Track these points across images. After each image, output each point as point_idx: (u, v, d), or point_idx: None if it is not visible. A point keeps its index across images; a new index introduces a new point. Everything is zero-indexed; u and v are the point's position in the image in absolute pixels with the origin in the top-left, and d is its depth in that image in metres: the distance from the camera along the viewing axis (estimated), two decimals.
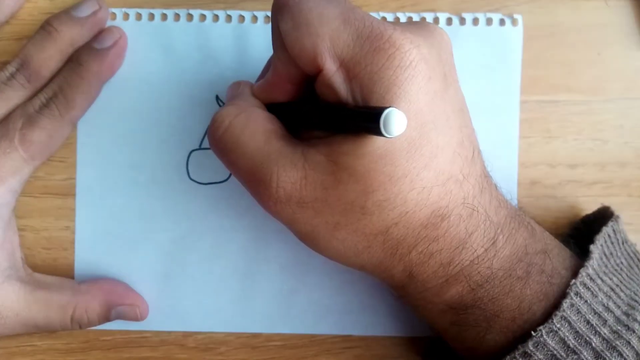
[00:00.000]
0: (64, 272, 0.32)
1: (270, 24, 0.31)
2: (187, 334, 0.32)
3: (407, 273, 0.25)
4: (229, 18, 0.32)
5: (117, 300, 0.31)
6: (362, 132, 0.22)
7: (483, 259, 0.24)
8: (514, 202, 0.31)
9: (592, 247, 0.26)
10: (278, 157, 0.24)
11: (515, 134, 0.32)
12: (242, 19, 0.32)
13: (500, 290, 0.24)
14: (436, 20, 0.31)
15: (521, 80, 0.32)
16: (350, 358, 0.32)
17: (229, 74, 0.32)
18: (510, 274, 0.24)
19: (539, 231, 0.26)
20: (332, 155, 0.23)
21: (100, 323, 0.31)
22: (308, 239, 0.25)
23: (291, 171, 0.23)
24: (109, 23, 0.32)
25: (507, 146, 0.32)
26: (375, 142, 0.22)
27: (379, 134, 0.20)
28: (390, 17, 0.32)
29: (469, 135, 0.24)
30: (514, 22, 0.32)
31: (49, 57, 0.30)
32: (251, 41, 0.32)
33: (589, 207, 0.32)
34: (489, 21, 0.32)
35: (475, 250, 0.24)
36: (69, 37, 0.30)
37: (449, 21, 0.32)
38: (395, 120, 0.19)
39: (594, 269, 0.25)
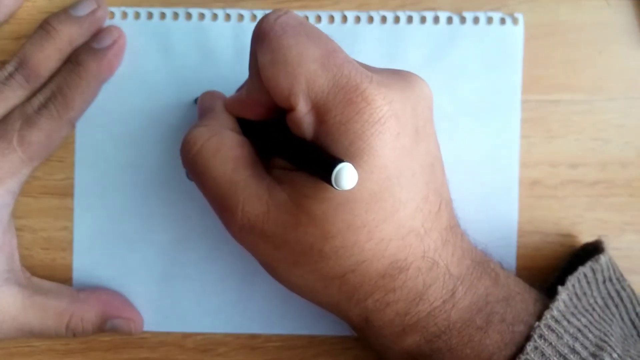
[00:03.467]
0: (62, 272, 0.32)
1: None
2: (186, 335, 0.32)
3: (363, 317, 0.25)
4: (227, 17, 0.32)
5: (114, 312, 0.31)
6: (317, 177, 0.22)
7: (440, 311, 0.24)
8: (513, 214, 0.31)
9: (560, 288, 0.26)
10: (244, 187, 0.24)
11: (516, 133, 0.32)
12: (241, 17, 0.32)
13: (459, 341, 0.24)
14: (436, 19, 0.31)
15: (522, 80, 0.32)
16: (349, 359, 0.32)
17: (227, 73, 0.32)
18: (469, 325, 0.24)
19: (503, 277, 0.26)
20: (293, 195, 0.23)
21: (94, 333, 0.31)
22: (268, 268, 0.26)
23: (255, 204, 0.24)
24: (108, 22, 0.32)
25: (508, 146, 0.32)
26: (334, 190, 0.22)
27: (330, 184, 0.20)
28: (390, 16, 0.31)
29: (436, 190, 0.24)
30: (515, 21, 0.31)
31: (47, 56, 0.30)
32: (250, 40, 0.32)
33: (591, 207, 0.32)
34: (489, 20, 0.31)
35: (433, 302, 0.24)
36: (67, 36, 0.30)
37: (450, 20, 0.31)
38: (346, 175, 0.20)
39: (559, 311, 0.25)
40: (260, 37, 0.24)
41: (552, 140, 0.32)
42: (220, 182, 0.24)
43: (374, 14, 0.32)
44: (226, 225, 0.25)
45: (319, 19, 0.32)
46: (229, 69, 0.32)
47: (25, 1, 0.32)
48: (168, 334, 0.32)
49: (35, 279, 0.31)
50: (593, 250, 0.29)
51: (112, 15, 0.32)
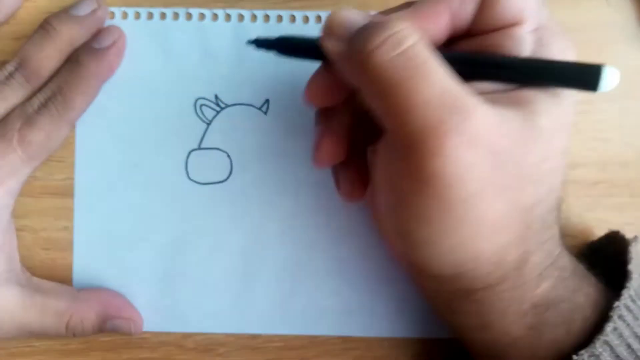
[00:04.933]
0: (63, 272, 0.32)
1: (268, 23, 0.32)
2: (186, 335, 0.32)
3: (520, 258, 0.23)
4: (228, 17, 0.32)
5: (114, 312, 0.31)
6: (571, 85, 0.23)
7: (563, 253, 0.25)
8: None
9: (630, 267, 0.25)
10: (474, 94, 0.21)
11: None
12: (241, 17, 0.32)
13: (577, 284, 0.24)
14: None
15: None
16: (349, 359, 0.32)
17: (228, 72, 0.32)
18: (576, 273, 0.25)
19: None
20: (526, 113, 0.22)
21: (94, 333, 0.31)
22: (465, 204, 0.22)
23: (489, 113, 0.21)
24: (108, 22, 0.32)
25: None
26: (566, 106, 0.23)
27: (593, 88, 0.22)
28: None
29: None
30: None
31: (47, 56, 0.30)
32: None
33: (591, 207, 0.32)
34: None
35: (559, 246, 0.25)
36: (67, 36, 0.30)
37: None
38: (611, 76, 0.22)
39: (635, 290, 0.24)
40: None
41: None
42: (446, 84, 0.21)
43: (374, 13, 0.32)
44: (445, 136, 0.20)
45: (319, 19, 0.32)
46: (229, 70, 0.32)
47: (25, 1, 0.32)
48: (168, 334, 0.32)
49: (35, 279, 0.31)
50: (609, 243, 0.30)
51: (113, 15, 0.32)
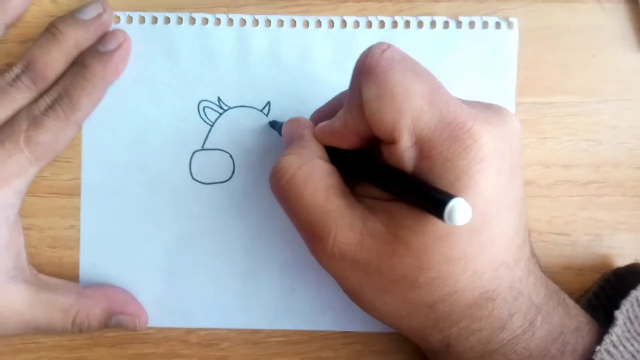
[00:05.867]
0: (69, 270, 0.32)
1: (270, 28, 0.32)
2: (190, 330, 0.32)
3: (444, 343, 0.25)
4: (230, 21, 0.32)
5: (119, 308, 0.31)
6: (424, 210, 0.22)
7: (520, 339, 0.24)
8: None
9: (616, 313, 0.25)
10: (336, 216, 0.24)
11: None
12: (243, 22, 0.32)
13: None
14: (433, 23, 0.32)
15: (517, 82, 0.32)
16: (350, 353, 0.32)
17: (230, 76, 0.32)
18: (545, 354, 0.24)
19: (572, 307, 0.26)
20: (391, 226, 0.23)
21: (99, 329, 0.31)
22: (353, 295, 0.26)
23: (348, 233, 0.24)
24: (113, 26, 0.32)
25: None
26: (436, 223, 0.22)
27: (442, 219, 0.20)
28: (388, 21, 0.32)
29: (524, 222, 0.25)
30: (510, 25, 0.32)
31: (53, 59, 0.30)
32: (252, 44, 0.32)
33: (584, 206, 0.32)
34: (485, 24, 0.32)
35: (514, 331, 0.24)
36: (73, 39, 0.30)
37: (446, 24, 0.32)
38: (460, 211, 0.20)
39: (617, 336, 0.25)
40: (366, 71, 0.23)
41: (545, 142, 0.32)
42: (312, 211, 0.24)
43: (372, 19, 0.32)
44: (315, 252, 0.25)
45: (319, 23, 0.32)
46: (232, 73, 0.32)
47: (31, 5, 0.32)
48: (172, 329, 0.32)
49: (42, 276, 0.31)
50: (625, 274, 0.30)
51: (118, 19, 0.32)
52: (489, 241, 0.23)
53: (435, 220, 0.22)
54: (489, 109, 0.24)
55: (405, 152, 0.23)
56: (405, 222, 0.23)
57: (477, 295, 0.23)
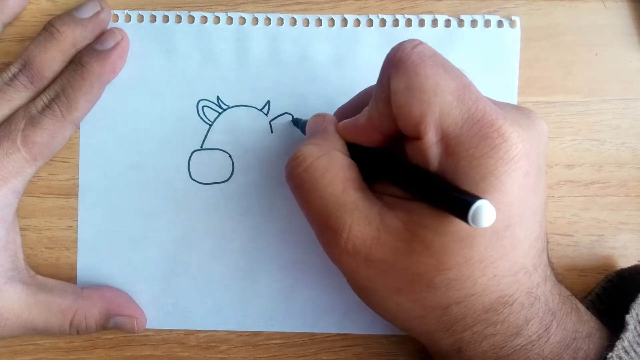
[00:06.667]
0: (67, 271, 0.32)
1: (269, 26, 0.32)
2: (188, 333, 0.32)
3: (456, 347, 0.25)
4: (229, 20, 0.32)
5: (117, 310, 0.31)
6: (447, 211, 0.21)
7: (534, 346, 0.24)
8: None
9: (627, 317, 0.25)
10: (353, 209, 0.24)
11: None
12: (242, 20, 0.32)
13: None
14: (435, 22, 0.32)
15: (519, 81, 0.32)
16: (349, 356, 0.32)
17: (229, 75, 0.32)
18: None
19: (584, 312, 0.26)
20: (410, 224, 0.23)
21: (97, 330, 0.31)
22: (364, 294, 0.25)
23: (365, 228, 0.23)
24: (111, 25, 0.32)
25: None
26: (458, 224, 0.21)
27: (465, 221, 0.19)
28: (389, 20, 0.32)
29: (544, 228, 0.24)
30: (512, 23, 0.32)
31: (51, 58, 0.30)
32: (252, 43, 0.32)
33: (587, 206, 0.32)
34: (487, 23, 0.32)
35: (530, 337, 0.24)
36: (71, 38, 0.30)
37: (448, 23, 0.32)
38: (485, 213, 0.19)
39: (629, 341, 0.25)
40: (397, 64, 0.23)
41: (548, 141, 0.32)
42: (327, 202, 0.24)
43: (373, 17, 0.32)
44: (326, 246, 0.25)
45: (319, 22, 0.32)
46: (231, 71, 0.32)
47: (29, 3, 0.32)
48: (171, 331, 0.32)
49: (40, 277, 0.31)
50: (629, 275, 0.29)
51: (116, 17, 0.32)
52: (511, 245, 0.22)
53: (457, 221, 0.21)
54: (518, 111, 0.24)
55: (430, 148, 0.22)
56: (425, 221, 0.22)
57: (494, 300, 0.23)
